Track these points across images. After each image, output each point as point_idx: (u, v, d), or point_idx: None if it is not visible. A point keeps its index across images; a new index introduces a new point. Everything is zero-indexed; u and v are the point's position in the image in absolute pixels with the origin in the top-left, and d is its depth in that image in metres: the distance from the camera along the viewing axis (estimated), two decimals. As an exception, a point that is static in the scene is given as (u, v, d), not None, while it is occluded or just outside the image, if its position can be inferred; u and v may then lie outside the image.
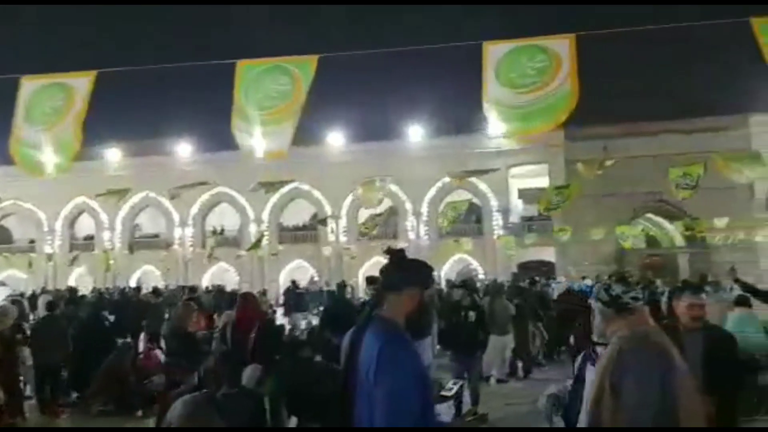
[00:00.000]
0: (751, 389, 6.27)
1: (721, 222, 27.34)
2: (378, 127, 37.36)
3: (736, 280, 7.42)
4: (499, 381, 11.42)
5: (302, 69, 5.06)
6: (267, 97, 5.09)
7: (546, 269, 31.30)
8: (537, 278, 17.75)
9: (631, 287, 3.01)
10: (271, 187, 27.35)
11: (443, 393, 6.01)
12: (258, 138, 5.14)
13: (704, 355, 3.63)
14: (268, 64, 5.20)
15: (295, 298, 21.22)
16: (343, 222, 36.50)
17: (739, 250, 29.27)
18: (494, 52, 4.59)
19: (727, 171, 13.32)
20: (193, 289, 18.22)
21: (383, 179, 24.77)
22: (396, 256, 2.89)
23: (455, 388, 6.33)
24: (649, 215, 32.60)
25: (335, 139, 36.69)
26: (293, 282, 23.32)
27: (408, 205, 35.71)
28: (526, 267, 32.09)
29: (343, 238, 36.06)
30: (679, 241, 31.88)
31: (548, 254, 32.86)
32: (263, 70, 5.18)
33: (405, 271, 2.81)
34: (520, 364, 12.31)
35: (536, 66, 4.51)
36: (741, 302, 8.48)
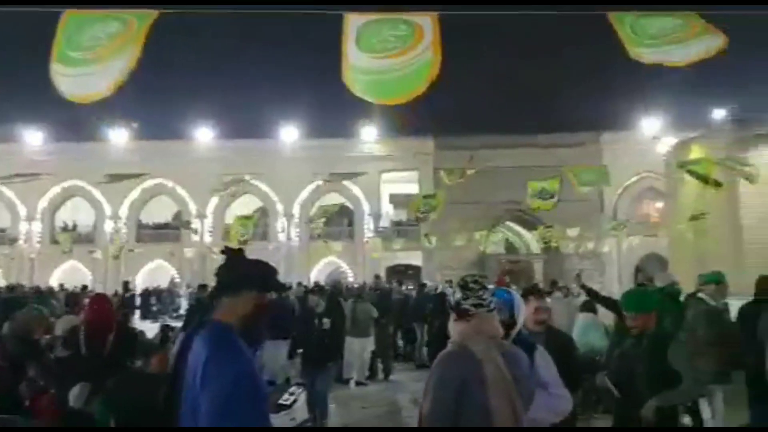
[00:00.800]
0: (591, 389, 6.59)
1: (572, 232, 29.28)
2: (251, 125, 36.46)
3: (582, 286, 7.82)
4: (358, 384, 11.39)
5: (139, 19, 4.51)
6: (92, 38, 4.45)
7: (413, 273, 32.01)
8: (426, 282, 18.17)
9: (474, 292, 2.99)
10: (119, 179, 25.66)
11: (280, 401, 5.78)
12: (75, 80, 4.42)
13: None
14: (99, 15, 4.57)
15: (154, 301, 20.16)
16: (209, 221, 35.26)
17: (587, 258, 31.55)
18: (355, 21, 4.46)
19: (577, 184, 14.18)
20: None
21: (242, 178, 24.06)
22: (233, 256, 2.68)
23: (293, 397, 6.12)
24: (509, 223, 34.23)
25: (204, 134, 35.26)
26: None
27: (279, 207, 35.11)
28: (394, 270, 32.63)
29: (208, 239, 34.82)
30: (535, 248, 33.72)
31: (416, 258, 33.59)
32: (92, 18, 4.54)
33: (242, 272, 2.60)
34: (380, 366, 12.38)
35: (397, 34, 4.43)
36: (587, 308, 8.99)
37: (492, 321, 2.97)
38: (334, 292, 10.73)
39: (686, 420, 5.17)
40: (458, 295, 3.01)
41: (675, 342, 4.11)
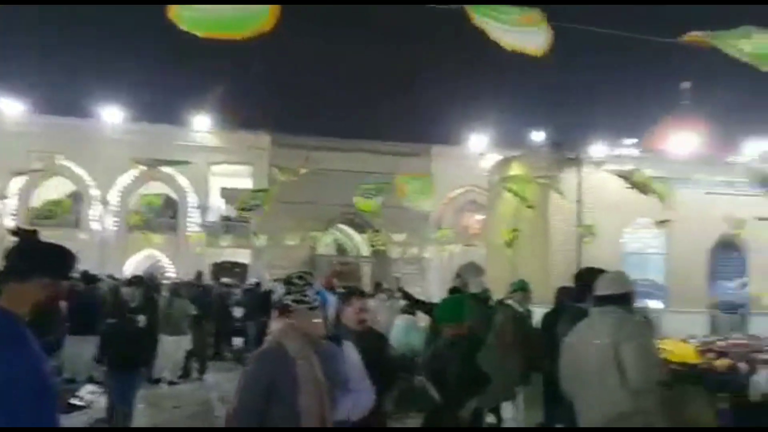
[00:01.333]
0: (408, 389, 6.79)
1: (399, 237, 30.33)
2: (68, 102, 33.49)
3: (399, 289, 8.07)
4: (171, 383, 10.88)
5: None
6: None
7: (240, 271, 31.28)
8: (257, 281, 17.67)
9: (297, 288, 2.94)
10: None
11: (72, 401, 5.32)
12: None
13: (362, 354, 3.77)
14: None
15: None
16: (12, 203, 31.80)
17: (411, 264, 32.80)
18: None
19: (405, 192, 14.64)
20: None
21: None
22: (25, 238, 2.36)
23: (91, 396, 5.67)
24: (341, 225, 34.67)
25: (11, 107, 31.56)
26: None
27: (94, 192, 32.37)
28: (221, 267, 31.63)
29: (10, 222, 31.40)
30: (365, 251, 34.45)
31: (244, 256, 32.85)
32: None
33: (34, 256, 2.30)
34: (195, 366, 11.95)
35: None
36: (407, 310, 9.34)
37: (313, 319, 2.93)
38: (150, 286, 10.12)
39: (490, 419, 5.47)
40: (281, 290, 2.97)
41: (485, 346, 4.36)
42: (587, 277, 4.82)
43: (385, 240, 29.59)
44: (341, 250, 36.50)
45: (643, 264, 23.90)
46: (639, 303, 25.14)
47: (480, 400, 4.16)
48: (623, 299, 3.76)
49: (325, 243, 34.96)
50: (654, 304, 23.90)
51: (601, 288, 3.85)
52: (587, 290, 4.63)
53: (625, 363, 3.50)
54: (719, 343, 17.05)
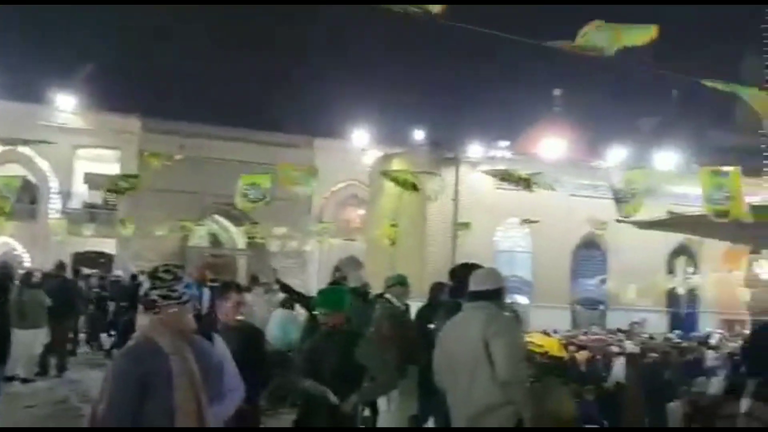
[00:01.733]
0: (284, 384, 6.65)
1: (279, 230, 29.87)
2: None
3: (277, 281, 7.90)
4: (25, 381, 10.04)
5: None
6: None
7: (105, 261, 29.49)
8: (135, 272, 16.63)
9: (164, 283, 2.75)
10: None
11: None
12: None
13: (237, 349, 3.62)
14: None
15: None
16: None
17: (291, 257, 32.40)
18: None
19: (288, 182, 14.39)
20: None
21: None
22: None
23: None
24: (216, 216, 33.63)
25: None
26: None
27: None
28: (84, 257, 29.62)
29: None
30: (241, 244, 33.65)
31: (109, 246, 30.99)
32: None
33: None
34: (54, 362, 11.12)
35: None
36: (284, 304, 9.17)
37: (184, 314, 2.78)
38: (1, 276, 9.25)
39: (366, 412, 5.43)
40: (147, 285, 2.81)
41: (364, 339, 4.33)
42: (461, 272, 4.92)
43: (264, 233, 29.03)
44: (216, 242, 35.40)
45: (512, 261, 25.05)
46: (508, 298, 26.40)
47: (364, 393, 4.12)
48: (495, 295, 3.84)
49: (199, 234, 33.74)
50: (521, 300, 25.18)
51: (475, 284, 3.91)
52: (461, 286, 4.74)
53: (495, 357, 3.57)
54: (581, 337, 18.24)
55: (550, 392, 5.52)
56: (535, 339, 14.50)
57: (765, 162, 24.27)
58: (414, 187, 15.38)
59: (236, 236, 34.09)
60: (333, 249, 34.03)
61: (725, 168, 9.77)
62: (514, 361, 3.63)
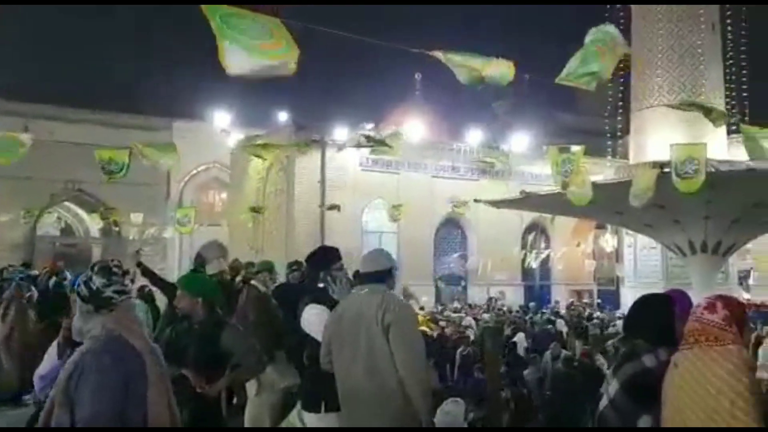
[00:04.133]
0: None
1: (136, 217, 28.34)
2: None
3: (138, 264, 7.45)
4: None
5: None
6: None
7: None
8: None
9: (118, 278, 2.68)
10: None
11: None
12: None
13: None
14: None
15: None
16: None
17: (150, 244, 30.85)
18: None
19: (146, 156, 13.65)
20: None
21: None
22: None
23: None
24: (67, 203, 31.39)
25: None
26: None
27: None
28: None
29: None
30: (95, 231, 31.66)
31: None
32: None
33: None
34: None
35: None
36: (140, 292, 8.69)
37: (131, 309, 2.82)
38: None
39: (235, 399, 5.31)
40: (99, 281, 2.68)
41: (228, 326, 4.22)
42: (319, 255, 4.95)
43: (120, 219, 27.45)
44: (67, 230, 33.02)
45: (380, 242, 25.48)
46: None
47: (224, 380, 4.02)
48: (385, 275, 3.81)
49: (48, 222, 31.32)
50: (389, 279, 25.80)
51: (364, 265, 3.88)
52: (319, 268, 4.73)
53: (394, 349, 3.52)
54: (447, 313, 18.88)
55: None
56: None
57: (608, 144, 26.18)
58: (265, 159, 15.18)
59: (89, 223, 31.97)
60: (195, 235, 32.86)
61: (569, 147, 10.56)
62: (414, 356, 3.58)
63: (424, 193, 25.18)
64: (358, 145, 14.13)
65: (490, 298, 24.49)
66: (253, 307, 5.57)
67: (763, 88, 24.34)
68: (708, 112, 11.43)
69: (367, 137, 16.05)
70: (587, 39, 6.66)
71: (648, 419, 2.89)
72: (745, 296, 26.16)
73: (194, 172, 32.95)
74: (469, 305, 22.86)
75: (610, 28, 6.96)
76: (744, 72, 23.49)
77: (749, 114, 23.18)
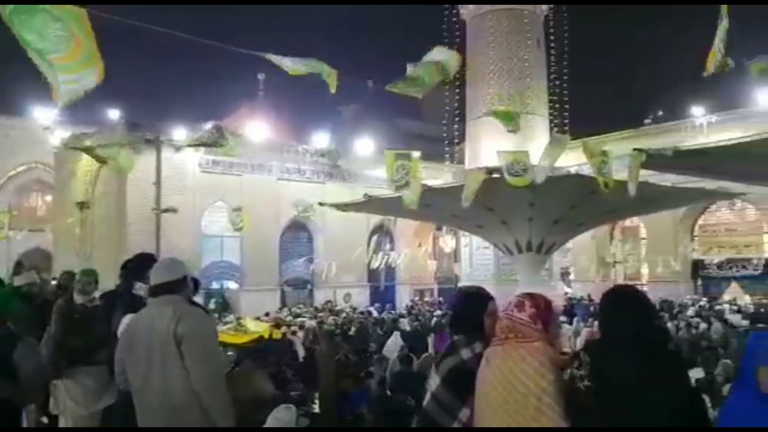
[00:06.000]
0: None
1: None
2: None
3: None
4: None
5: None
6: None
7: None
8: None
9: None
10: None
11: None
12: None
13: None
14: None
15: None
16: None
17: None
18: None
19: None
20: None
21: None
22: None
23: None
24: None
25: None
26: None
27: None
28: None
29: None
30: None
31: None
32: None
33: None
34: None
35: None
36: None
37: None
38: None
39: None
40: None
41: (22, 341, 3.84)
42: (135, 262, 4.75)
43: None
44: None
45: (221, 246, 24.73)
46: (218, 284, 25.79)
47: (9, 391, 3.64)
48: (178, 286, 3.59)
49: None
50: (231, 285, 25.05)
51: (155, 277, 3.62)
52: (133, 277, 4.51)
53: (188, 364, 3.32)
54: (289, 318, 18.62)
55: (248, 377, 5.49)
56: (248, 324, 14.42)
57: (447, 150, 27.38)
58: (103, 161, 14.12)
59: None
60: (15, 242, 29.90)
61: (408, 152, 10.85)
62: (209, 370, 3.40)
63: (269, 195, 24.78)
64: (193, 144, 13.52)
65: (327, 302, 24.56)
66: (54, 320, 5.11)
67: (581, 100, 26.69)
68: (509, 119, 12.37)
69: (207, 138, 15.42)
70: (426, 57, 6.89)
71: (467, 412, 2.94)
72: (566, 290, 28.60)
73: (13, 172, 29.94)
74: (315, 308, 22.83)
75: (448, 51, 7.27)
76: (565, 85, 25.61)
77: (569, 123, 25.36)
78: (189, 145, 14.62)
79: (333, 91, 5.92)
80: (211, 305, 23.07)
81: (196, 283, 6.75)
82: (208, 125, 20.59)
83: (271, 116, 27.15)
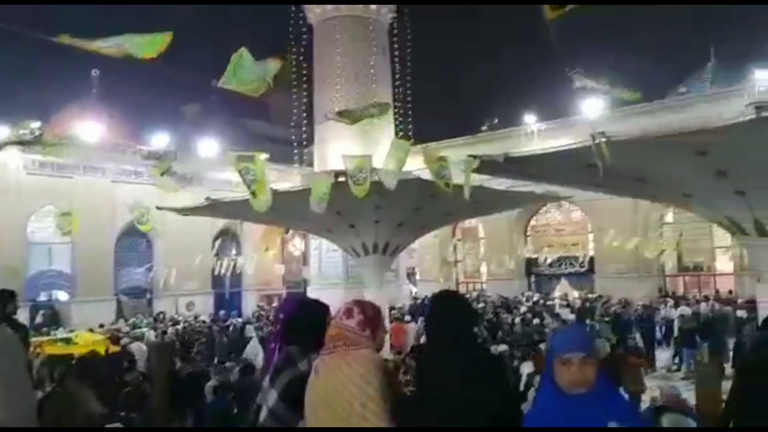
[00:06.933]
0: None
1: None
2: None
3: None
4: None
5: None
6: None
7: None
8: None
9: None
10: None
11: None
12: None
13: None
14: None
15: None
16: None
17: None
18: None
19: None
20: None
21: None
22: None
23: None
24: None
25: None
26: None
27: None
28: None
29: None
30: None
31: None
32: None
33: None
34: None
35: None
36: None
37: None
38: None
39: None
40: None
41: None
42: None
43: None
44: None
45: (50, 254, 22.87)
46: (46, 295, 23.82)
47: None
48: None
49: None
50: (62, 295, 23.15)
51: None
52: None
53: None
54: (126, 329, 17.61)
55: (69, 397, 5.09)
56: (81, 338, 13.47)
57: (296, 152, 27.20)
58: None
59: None
60: None
61: (253, 154, 10.59)
62: (10, 393, 3.07)
63: (104, 198, 23.22)
64: (9, 143, 12.36)
65: (160, 313, 23.33)
66: None
67: (424, 107, 27.72)
68: (357, 119, 12.61)
69: (30, 136, 14.19)
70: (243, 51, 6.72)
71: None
72: (413, 290, 29.55)
73: None
74: (154, 318, 21.74)
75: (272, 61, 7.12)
76: (409, 92, 26.44)
77: (413, 129, 26.23)
78: (3, 144, 13.32)
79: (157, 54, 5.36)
80: (39, 318, 21.29)
81: (12, 296, 6.15)
82: (35, 124, 18.97)
83: (106, 115, 25.39)
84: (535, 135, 25.79)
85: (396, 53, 26.57)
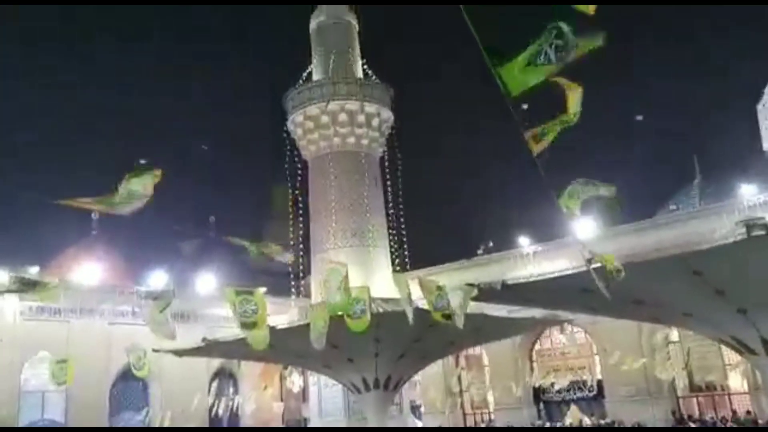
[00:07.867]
0: None
1: None
2: None
3: None
4: None
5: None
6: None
7: None
8: None
9: None
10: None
11: None
12: None
13: None
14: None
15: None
16: None
17: None
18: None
19: None
20: None
21: None
22: None
23: None
24: None
25: None
26: None
27: None
28: None
29: None
30: None
31: None
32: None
33: None
34: None
35: None
36: None
37: None
38: None
39: None
40: None
41: None
42: None
43: None
44: None
45: (42, 402, 22.15)
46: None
47: None
48: None
49: None
50: (52, 446, 22.07)
51: None
52: None
53: None
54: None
55: None
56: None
57: (293, 284, 27.20)
58: None
59: None
60: None
61: (251, 290, 10.49)
62: None
63: (100, 341, 22.78)
64: (9, 291, 12.23)
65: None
66: None
67: (419, 233, 28.05)
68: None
69: (25, 281, 14.06)
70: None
71: None
72: (418, 424, 28.31)
73: None
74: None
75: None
76: (403, 220, 26.87)
77: (409, 255, 26.37)
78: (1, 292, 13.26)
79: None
80: (27, 472, 20.28)
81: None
82: (34, 269, 19.00)
83: (105, 256, 25.56)
84: (531, 257, 25.80)
85: (388, 182, 27.32)
